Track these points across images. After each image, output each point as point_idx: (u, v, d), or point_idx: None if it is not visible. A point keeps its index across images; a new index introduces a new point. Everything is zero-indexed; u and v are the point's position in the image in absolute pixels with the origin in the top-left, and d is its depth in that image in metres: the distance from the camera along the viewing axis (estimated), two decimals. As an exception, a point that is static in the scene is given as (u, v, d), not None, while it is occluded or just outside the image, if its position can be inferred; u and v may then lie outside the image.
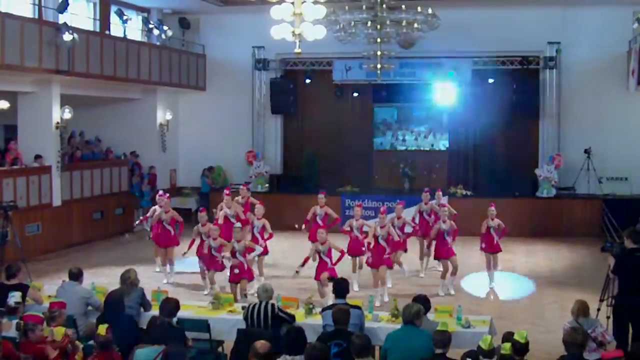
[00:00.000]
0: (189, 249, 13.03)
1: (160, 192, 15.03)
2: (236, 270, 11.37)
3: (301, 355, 6.21)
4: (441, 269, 13.36)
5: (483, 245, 13.44)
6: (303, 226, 14.27)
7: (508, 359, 6.53)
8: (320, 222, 13.89)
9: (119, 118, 20.90)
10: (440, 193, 15.08)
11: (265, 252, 13.53)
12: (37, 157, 16.57)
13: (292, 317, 8.25)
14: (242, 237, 11.64)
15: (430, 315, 8.08)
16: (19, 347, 6.84)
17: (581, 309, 7.76)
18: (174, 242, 14.05)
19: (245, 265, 11.45)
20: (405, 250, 13.94)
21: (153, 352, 6.38)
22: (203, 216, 13.21)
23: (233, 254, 11.42)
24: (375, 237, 12.24)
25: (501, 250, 13.58)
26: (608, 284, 9.46)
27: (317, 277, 11.52)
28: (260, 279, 12.92)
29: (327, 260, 11.48)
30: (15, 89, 16.45)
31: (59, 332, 7.10)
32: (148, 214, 15.08)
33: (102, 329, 6.78)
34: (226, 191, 14.46)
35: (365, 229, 13.18)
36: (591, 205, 19.02)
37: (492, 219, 13.34)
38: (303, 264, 11.53)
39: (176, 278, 13.84)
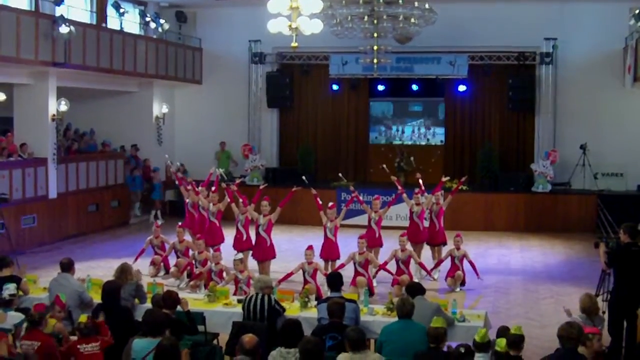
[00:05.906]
0: (137, 258, 13.11)
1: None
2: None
3: (297, 348, 6.23)
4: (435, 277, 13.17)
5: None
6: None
7: (503, 355, 6.57)
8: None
9: (115, 111, 20.88)
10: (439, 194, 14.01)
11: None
12: (22, 145, 16.46)
13: (283, 309, 8.27)
14: (245, 268, 11.18)
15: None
16: (26, 336, 6.96)
17: (593, 308, 7.76)
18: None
19: None
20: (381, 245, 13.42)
21: (150, 344, 6.41)
22: (181, 232, 13.11)
23: (236, 282, 10.95)
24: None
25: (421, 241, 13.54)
26: (603, 279, 9.49)
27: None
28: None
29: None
30: (11, 81, 16.41)
31: (50, 323, 7.33)
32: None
33: (84, 318, 7.07)
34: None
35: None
36: (586, 201, 19.03)
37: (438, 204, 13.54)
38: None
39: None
